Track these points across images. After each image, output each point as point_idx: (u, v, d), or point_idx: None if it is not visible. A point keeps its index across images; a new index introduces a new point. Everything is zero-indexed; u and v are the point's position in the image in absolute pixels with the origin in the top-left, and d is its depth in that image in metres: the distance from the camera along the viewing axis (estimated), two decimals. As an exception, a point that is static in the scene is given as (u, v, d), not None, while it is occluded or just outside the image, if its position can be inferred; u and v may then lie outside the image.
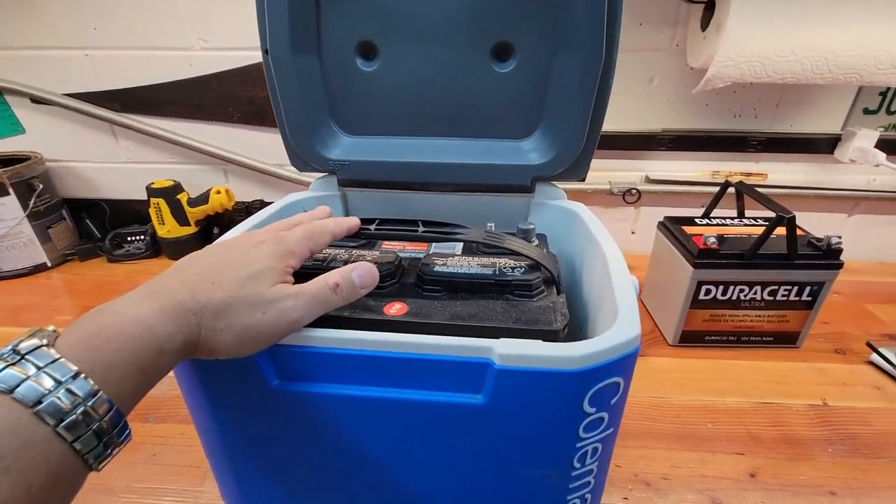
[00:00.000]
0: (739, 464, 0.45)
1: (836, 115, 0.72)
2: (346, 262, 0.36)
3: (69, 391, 0.18)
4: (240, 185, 0.83)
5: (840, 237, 0.54)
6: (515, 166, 0.43)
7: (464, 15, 0.40)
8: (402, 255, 0.40)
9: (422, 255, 0.38)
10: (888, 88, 0.68)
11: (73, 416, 0.18)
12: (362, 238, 0.39)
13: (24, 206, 0.75)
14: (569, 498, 0.30)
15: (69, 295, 0.74)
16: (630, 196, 0.78)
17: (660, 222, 0.64)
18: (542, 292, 0.34)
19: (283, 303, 0.25)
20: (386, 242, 0.42)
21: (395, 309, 0.32)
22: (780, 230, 0.53)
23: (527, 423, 0.26)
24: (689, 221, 0.62)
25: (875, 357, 0.57)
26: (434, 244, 0.41)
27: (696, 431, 0.49)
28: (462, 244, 0.40)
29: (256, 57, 0.72)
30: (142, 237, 0.82)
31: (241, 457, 0.32)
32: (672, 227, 0.61)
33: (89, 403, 0.18)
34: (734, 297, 0.57)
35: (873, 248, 0.81)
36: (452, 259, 0.37)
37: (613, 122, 0.74)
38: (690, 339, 0.60)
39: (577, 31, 0.37)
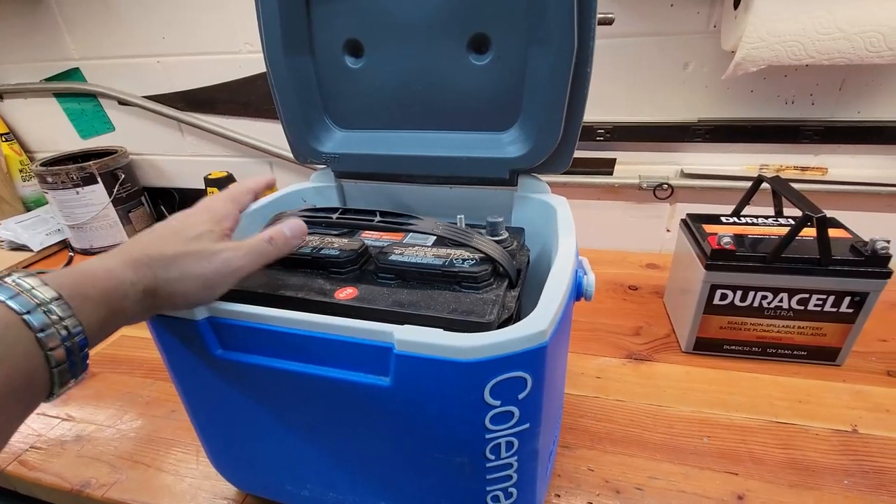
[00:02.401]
0: (728, 483, 0.42)
1: (919, 100, 0.61)
2: (316, 248, 0.39)
3: (51, 310, 0.22)
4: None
5: (888, 241, 0.47)
6: (493, 159, 0.43)
7: (440, 8, 0.40)
8: (380, 243, 0.42)
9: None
10: None
11: (52, 330, 0.22)
12: (325, 226, 0.42)
13: (110, 192, 0.88)
14: (488, 489, 0.30)
15: (141, 270, 0.86)
16: (661, 191, 0.73)
17: (682, 220, 0.59)
18: (491, 285, 0.35)
19: (225, 253, 0.29)
20: (367, 232, 0.44)
21: (346, 294, 0.34)
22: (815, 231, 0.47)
23: (431, 409, 0.27)
24: (714, 220, 0.57)
25: (935, 384, 0.49)
26: (410, 234, 0.43)
27: (688, 445, 0.45)
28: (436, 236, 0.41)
29: (293, 57, 0.78)
30: (201, 222, 0.92)
31: (204, 415, 0.37)
32: (693, 226, 0.56)
33: (65, 323, 0.22)
34: (756, 304, 0.52)
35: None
36: (412, 249, 0.38)
37: (643, 112, 0.70)
38: (706, 346, 0.56)
39: (546, 22, 0.37)
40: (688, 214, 0.59)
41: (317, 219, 0.37)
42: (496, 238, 0.39)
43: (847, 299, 0.49)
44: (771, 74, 0.63)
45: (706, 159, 0.71)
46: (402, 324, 0.29)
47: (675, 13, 0.63)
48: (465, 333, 0.25)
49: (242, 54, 0.81)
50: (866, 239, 0.49)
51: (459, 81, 0.43)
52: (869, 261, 0.47)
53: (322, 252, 0.38)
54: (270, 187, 0.38)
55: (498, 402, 0.27)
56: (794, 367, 0.54)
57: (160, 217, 0.98)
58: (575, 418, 0.49)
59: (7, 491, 0.49)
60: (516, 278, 0.36)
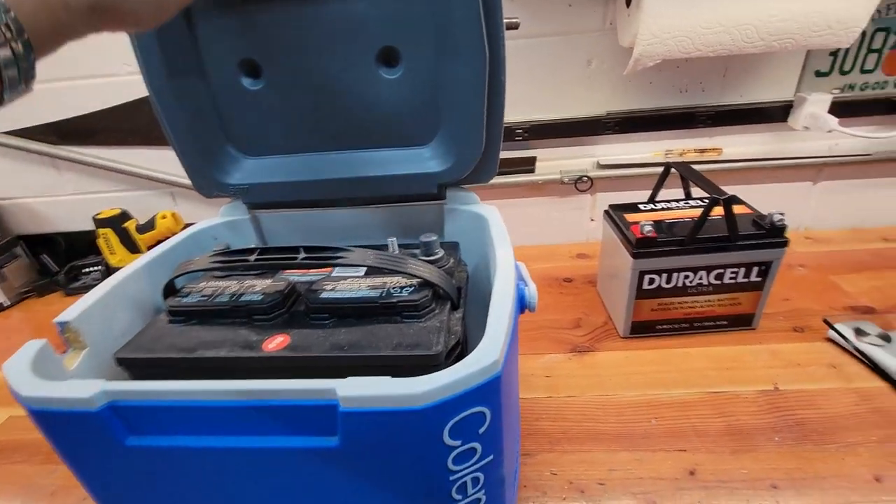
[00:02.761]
0: (679, 461, 0.43)
1: (788, 81, 0.69)
2: (235, 295, 0.35)
3: None
4: (188, 208, 0.82)
5: (783, 213, 0.52)
6: (418, 175, 0.42)
7: (343, 23, 0.38)
8: (308, 279, 0.39)
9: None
10: (838, 49, 0.65)
11: None
12: (244, 270, 0.38)
13: (-28, 248, 0.74)
14: (458, 528, 0.29)
15: (28, 332, 0.74)
16: (582, 184, 0.75)
17: (605, 211, 0.62)
18: (433, 311, 0.33)
19: None
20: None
21: (276, 343, 0.31)
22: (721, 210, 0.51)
23: (388, 462, 0.25)
24: (633, 208, 0.60)
25: (832, 333, 0.55)
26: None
27: (638, 430, 0.47)
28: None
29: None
30: (97, 268, 0.82)
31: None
32: (615, 216, 0.59)
33: (3, 21, 0.21)
34: (680, 284, 0.55)
35: (842, 215, 0.78)
36: (344, 282, 0.35)
37: (555, 109, 0.72)
38: (641, 329, 0.58)
39: (454, 33, 0.35)
40: (610, 206, 0.61)
41: (233, 263, 0.33)
42: (431, 258, 0.37)
43: (755, 269, 0.54)
44: (665, 67, 0.67)
45: (618, 149, 0.74)
46: (344, 368, 0.26)
47: (574, 13, 0.65)
48: (415, 377, 0.23)
49: (121, 76, 0.72)
50: (764, 213, 0.54)
51: (372, 97, 0.40)
52: (769, 233, 0.52)
53: (243, 299, 0.34)
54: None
55: (458, 442, 0.25)
56: (718, 337, 0.58)
57: (44, 269, 0.85)
58: (531, 422, 0.49)
59: None
60: (458, 299, 0.35)
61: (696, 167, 0.59)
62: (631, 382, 0.53)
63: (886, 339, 0.52)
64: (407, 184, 0.42)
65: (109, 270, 0.81)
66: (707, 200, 0.51)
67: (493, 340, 0.25)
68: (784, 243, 0.52)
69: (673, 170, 0.60)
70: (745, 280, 0.55)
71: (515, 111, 0.72)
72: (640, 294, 0.56)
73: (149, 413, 0.26)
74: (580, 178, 0.75)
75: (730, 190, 0.57)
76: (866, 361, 0.51)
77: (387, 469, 0.25)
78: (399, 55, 0.39)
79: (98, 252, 0.83)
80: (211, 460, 0.27)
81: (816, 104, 0.65)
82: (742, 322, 0.58)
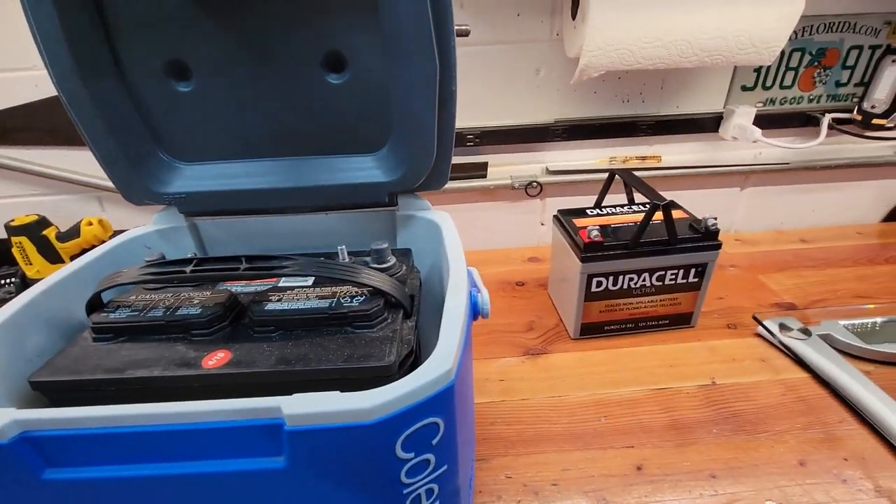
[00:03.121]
0: (628, 458, 0.45)
1: (718, 94, 0.74)
2: (170, 309, 0.32)
3: None
4: (118, 213, 0.76)
5: (716, 218, 0.55)
6: (368, 184, 0.41)
7: (282, 26, 0.36)
8: (252, 289, 0.37)
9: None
10: (761, 66, 0.71)
11: None
12: (180, 282, 0.36)
13: None
14: (413, 542, 0.28)
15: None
16: (532, 189, 0.77)
17: (554, 215, 0.63)
18: (385, 320, 0.32)
19: None
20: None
21: (216, 359, 0.29)
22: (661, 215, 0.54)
23: (339, 480, 0.24)
24: (581, 213, 0.62)
25: (760, 329, 0.59)
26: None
27: (589, 429, 0.48)
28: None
29: (112, 73, 0.65)
30: (11, 280, 0.74)
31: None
32: (564, 220, 0.60)
33: None
34: (625, 286, 0.57)
35: (767, 218, 0.85)
36: (290, 293, 0.34)
37: (507, 115, 0.73)
38: (591, 330, 0.60)
39: (402, 38, 0.35)
40: (559, 210, 0.63)
41: (167, 275, 0.31)
42: (383, 266, 0.37)
43: (692, 270, 0.57)
44: (608, 78, 0.70)
45: (566, 156, 0.77)
46: (292, 384, 0.25)
47: (522, 22, 0.66)
48: (365, 391, 0.23)
49: (37, 70, 0.65)
50: (700, 217, 0.57)
51: (318, 102, 0.39)
52: (705, 236, 0.55)
53: (179, 312, 0.32)
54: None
55: (412, 455, 0.24)
56: (662, 336, 0.61)
57: (-53, 281, 0.76)
58: (486, 427, 0.49)
59: None
60: (410, 307, 0.34)
61: (637, 173, 0.62)
62: (583, 383, 0.54)
63: (807, 332, 0.56)
64: (356, 192, 0.41)
65: (26, 283, 0.74)
66: (648, 206, 0.54)
67: (446, 350, 0.25)
68: (718, 246, 0.56)
69: (617, 176, 0.62)
70: (684, 281, 0.58)
71: (467, 117, 0.72)
72: (589, 296, 0.57)
73: (69, 442, 0.23)
74: (530, 183, 0.76)
75: (667, 195, 0.60)
76: (790, 354, 0.56)
77: (337, 487, 0.24)
78: (345, 60, 0.38)
79: (13, 262, 0.76)
80: (143, 491, 0.24)
81: (743, 116, 0.70)
82: (682, 321, 0.61)
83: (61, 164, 0.71)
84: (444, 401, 0.24)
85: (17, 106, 0.67)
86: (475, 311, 0.35)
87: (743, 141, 0.72)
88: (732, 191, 0.82)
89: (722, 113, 0.74)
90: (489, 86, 0.71)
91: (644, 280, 0.57)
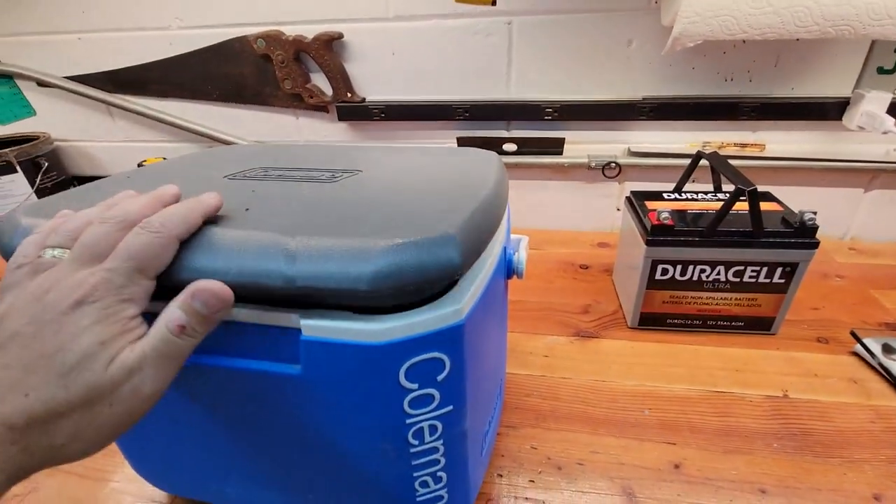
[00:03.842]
0: (666, 453, 0.42)
1: (847, 76, 0.63)
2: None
3: None
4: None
5: (815, 213, 0.48)
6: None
7: None
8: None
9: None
10: (909, 42, 0.59)
11: None
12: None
13: (32, 182, 0.81)
14: (415, 474, 0.29)
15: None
16: (609, 170, 0.73)
17: (627, 197, 0.60)
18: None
19: (130, 382, 0.20)
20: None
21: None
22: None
23: (347, 396, 0.26)
24: (656, 196, 0.58)
25: (858, 348, 0.51)
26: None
27: (629, 418, 0.46)
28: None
29: (227, 34, 0.74)
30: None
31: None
32: (636, 203, 0.57)
33: None
34: (695, 278, 0.53)
35: (895, 227, 0.72)
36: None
37: (590, 89, 0.69)
38: (651, 321, 0.56)
39: None
40: (631, 192, 0.59)
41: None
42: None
43: (779, 270, 0.51)
44: (710, 51, 0.64)
45: (652, 137, 0.71)
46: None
47: (617, -12, 0.62)
48: (364, 315, 0.24)
49: (172, 30, 0.75)
50: (796, 210, 0.50)
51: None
52: (798, 232, 0.49)
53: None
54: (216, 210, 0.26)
55: (415, 385, 0.25)
56: (732, 338, 0.55)
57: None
58: (520, 398, 0.49)
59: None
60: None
61: (735, 162, 0.56)
62: (632, 372, 0.51)
63: (919, 358, 0.48)
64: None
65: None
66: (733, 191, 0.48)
67: (461, 290, 0.25)
68: (814, 244, 0.49)
69: (704, 161, 0.57)
70: (768, 281, 0.52)
71: (546, 89, 0.70)
72: (652, 284, 0.54)
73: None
74: (608, 163, 0.72)
75: (772, 190, 0.54)
76: (891, 380, 0.48)
77: (346, 403, 0.26)
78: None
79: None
80: (185, 376, 0.28)
81: (874, 102, 0.59)
82: (760, 325, 0.55)
83: (184, 114, 0.82)
84: (450, 338, 0.25)
85: (154, 61, 0.78)
86: (509, 269, 0.34)
87: (872, 133, 0.61)
88: (853, 192, 0.71)
89: (849, 98, 0.63)
90: (573, 57, 0.68)
91: (718, 274, 0.52)
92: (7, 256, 0.28)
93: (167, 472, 0.37)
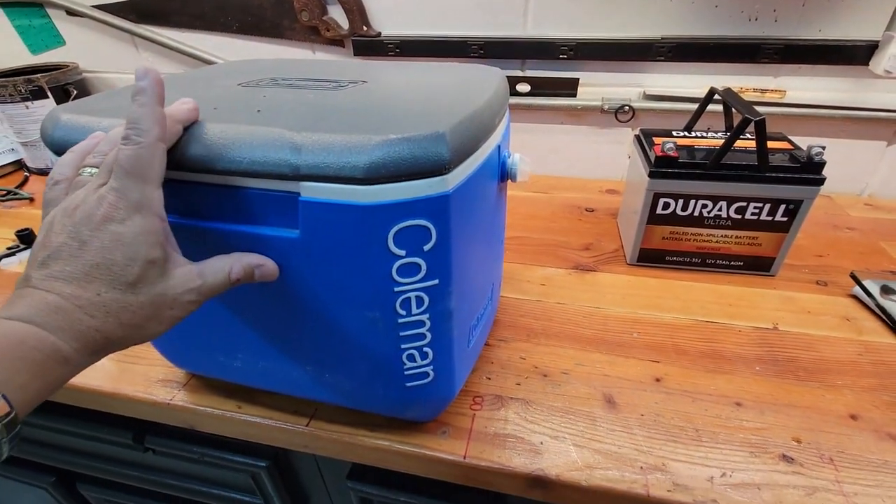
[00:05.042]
0: (649, 369, 0.44)
1: (879, 18, 0.60)
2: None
3: None
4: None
5: (823, 147, 0.48)
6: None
7: None
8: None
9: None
10: (950, -19, 0.56)
11: None
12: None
13: (62, 109, 0.84)
14: (403, 346, 0.32)
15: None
16: (623, 114, 0.72)
17: (636, 134, 0.60)
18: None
19: (182, 297, 0.26)
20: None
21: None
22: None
23: (341, 258, 0.28)
24: (666, 134, 0.57)
25: (857, 289, 0.51)
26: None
27: (618, 338, 0.48)
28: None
29: (247, -38, 0.73)
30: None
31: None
32: (644, 139, 0.57)
33: None
34: (696, 213, 0.53)
35: (917, 184, 0.70)
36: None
37: (605, 27, 0.68)
38: (650, 258, 0.57)
39: None
40: (641, 130, 0.59)
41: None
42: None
43: (782, 207, 0.51)
44: (736, -13, 0.62)
45: (668, 80, 0.70)
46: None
47: (643, -83, 0.60)
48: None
49: (194, -41, 0.76)
50: (804, 147, 0.50)
51: None
52: (804, 167, 0.48)
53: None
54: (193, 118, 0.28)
55: (403, 252, 0.27)
56: (730, 277, 0.56)
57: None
58: (514, 317, 0.51)
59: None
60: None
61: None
62: (625, 301, 0.53)
63: (916, 299, 0.48)
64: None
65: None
66: (749, 134, 0.48)
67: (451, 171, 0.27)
68: (820, 181, 0.49)
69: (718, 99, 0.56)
70: (770, 219, 0.52)
71: (562, 25, 0.69)
72: (653, 219, 0.54)
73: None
74: (622, 107, 0.71)
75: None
76: (887, 320, 0.48)
77: (340, 265, 0.28)
78: None
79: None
80: (193, 241, 0.30)
81: (905, 43, 0.57)
82: (760, 266, 0.55)
83: (203, 45, 0.83)
84: (436, 208, 0.26)
85: (175, -9, 0.79)
86: (503, 171, 0.36)
87: (899, 76, 0.59)
88: (875, 144, 0.69)
89: (878, 41, 0.61)
90: (593, -8, 0.66)
91: (720, 210, 0.52)
92: (50, 147, 0.31)
93: (182, 350, 0.40)
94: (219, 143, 0.27)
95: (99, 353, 0.24)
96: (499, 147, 0.34)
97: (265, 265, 0.28)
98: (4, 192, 0.80)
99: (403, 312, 0.30)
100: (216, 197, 0.28)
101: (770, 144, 0.50)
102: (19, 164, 0.91)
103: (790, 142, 0.54)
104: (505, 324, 0.50)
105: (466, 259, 0.32)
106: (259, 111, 0.30)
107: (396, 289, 0.29)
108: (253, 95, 0.34)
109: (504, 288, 0.54)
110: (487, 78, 0.38)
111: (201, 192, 0.29)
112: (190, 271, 0.26)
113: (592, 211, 0.71)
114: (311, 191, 0.26)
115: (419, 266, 0.28)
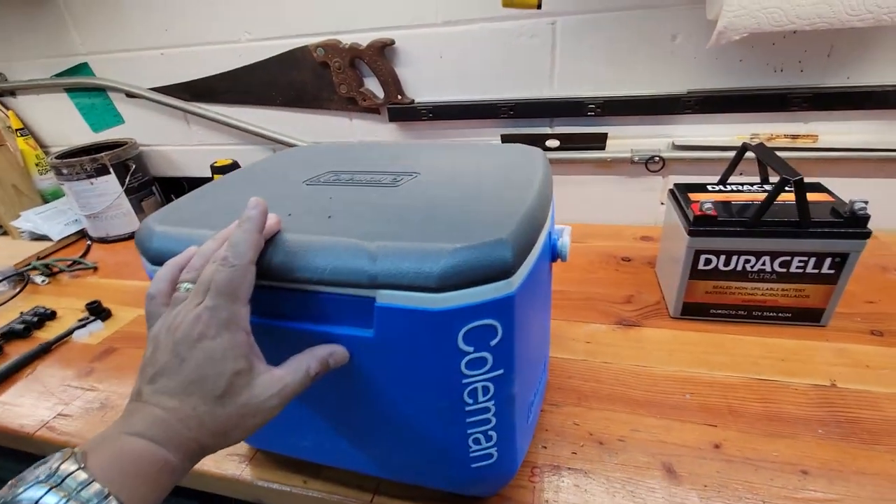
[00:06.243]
0: (707, 434, 0.44)
1: (909, 62, 0.61)
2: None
3: None
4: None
5: (866, 202, 0.48)
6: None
7: None
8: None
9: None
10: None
11: None
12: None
13: (122, 182, 0.92)
14: (469, 432, 0.33)
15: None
16: (653, 164, 0.74)
17: (670, 189, 0.61)
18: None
19: (266, 404, 0.27)
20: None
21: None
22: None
23: (413, 356, 0.30)
24: (700, 188, 0.58)
25: (915, 340, 0.50)
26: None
27: (670, 401, 0.48)
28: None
29: (290, 45, 0.80)
30: (210, 209, 0.96)
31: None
32: (679, 195, 0.58)
33: None
34: (739, 268, 0.53)
35: (965, 220, 0.69)
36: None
37: (633, 85, 0.71)
38: (693, 311, 0.57)
39: None
40: (675, 184, 0.60)
41: (309, 192, 0.40)
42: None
43: (828, 260, 0.51)
44: (759, 43, 0.63)
45: (697, 130, 0.72)
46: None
47: (662, -15, 0.63)
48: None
49: (241, 43, 0.83)
50: (846, 200, 0.50)
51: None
52: (848, 222, 0.48)
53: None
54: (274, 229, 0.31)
55: (471, 349, 0.29)
56: (778, 329, 0.55)
57: (171, 205, 1.02)
58: (563, 379, 0.51)
59: (36, 456, 0.53)
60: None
61: (785, 154, 0.56)
62: (673, 359, 0.53)
63: (982, 351, 0.46)
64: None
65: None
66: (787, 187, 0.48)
67: (513, 266, 0.29)
68: (866, 234, 0.49)
69: (752, 152, 0.57)
70: (816, 271, 0.52)
71: (588, 86, 0.72)
72: (695, 274, 0.55)
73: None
74: (652, 157, 0.73)
75: (825, 182, 0.54)
76: (951, 373, 0.47)
77: (412, 364, 0.30)
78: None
79: (212, 196, 0.98)
80: (275, 340, 0.33)
81: (939, 88, 0.57)
82: (809, 317, 0.55)
83: (251, 119, 0.90)
84: (502, 307, 0.28)
85: (224, 72, 0.86)
86: (554, 253, 0.37)
87: (936, 120, 0.59)
88: (917, 183, 0.68)
89: (910, 85, 0.61)
90: (616, 54, 0.69)
91: (763, 264, 0.52)
92: (146, 257, 0.34)
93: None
94: (298, 252, 0.30)
95: (195, 460, 0.27)
96: (550, 232, 0.36)
97: (336, 352, 0.30)
98: (70, 262, 0.86)
99: (470, 401, 0.31)
100: (293, 300, 0.31)
101: (809, 197, 0.50)
102: (81, 234, 0.98)
103: (829, 192, 0.54)
104: (555, 386, 0.50)
105: (526, 345, 0.33)
106: (330, 217, 0.33)
107: (464, 381, 0.30)
108: (320, 196, 0.37)
109: (551, 348, 0.55)
110: (530, 161, 0.40)
111: (280, 296, 0.31)
112: (272, 377, 0.28)
113: (629, 260, 0.72)
114: (386, 297, 0.28)
115: (486, 359, 0.30)
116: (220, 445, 0.27)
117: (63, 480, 0.22)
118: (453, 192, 0.35)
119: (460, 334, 0.28)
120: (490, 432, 0.33)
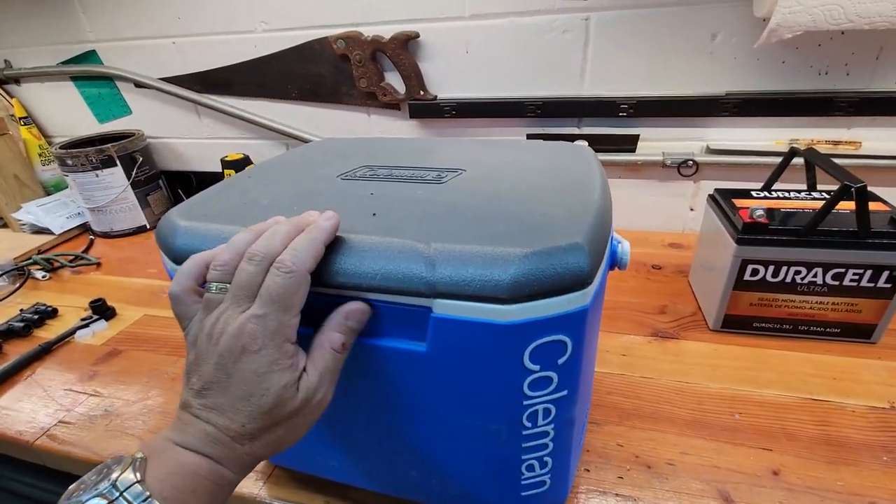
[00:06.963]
0: (763, 459, 0.41)
1: (963, 68, 0.59)
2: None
3: None
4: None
5: (931, 213, 0.45)
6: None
7: None
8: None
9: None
10: None
11: None
12: None
13: (128, 175, 0.88)
14: (524, 457, 0.30)
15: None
16: (686, 168, 0.71)
17: (710, 195, 0.58)
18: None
19: (315, 398, 0.26)
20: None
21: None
22: (851, 205, 0.46)
23: (470, 374, 0.27)
24: (744, 194, 0.55)
25: (977, 361, 0.47)
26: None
27: (718, 421, 0.45)
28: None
29: (309, 36, 0.77)
30: (218, 205, 0.92)
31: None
32: (722, 200, 0.55)
33: None
34: (788, 280, 0.50)
35: None
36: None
37: (667, 85, 0.68)
38: (735, 324, 0.54)
39: None
40: (716, 189, 0.57)
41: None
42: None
43: (885, 274, 0.48)
44: (804, 44, 0.61)
45: (733, 134, 0.69)
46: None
47: (704, -20, 0.60)
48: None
49: (257, 33, 0.80)
50: (908, 211, 0.47)
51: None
52: (910, 233, 0.46)
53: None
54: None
55: (537, 367, 0.26)
56: (826, 345, 0.52)
57: (177, 201, 0.99)
58: (602, 395, 0.48)
59: (36, 465, 0.50)
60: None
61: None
62: (716, 375, 0.50)
63: None
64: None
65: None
66: (835, 190, 0.46)
67: (585, 276, 0.26)
68: (928, 248, 0.46)
69: (797, 159, 0.54)
70: (871, 285, 0.49)
71: (621, 85, 0.69)
72: (740, 285, 0.52)
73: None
74: (685, 161, 0.70)
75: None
76: None
77: (467, 381, 0.27)
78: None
79: (220, 192, 0.94)
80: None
81: None
82: (859, 333, 0.52)
83: (264, 112, 0.87)
84: (575, 322, 0.25)
85: (239, 63, 0.83)
86: (613, 260, 0.34)
87: None
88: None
89: (964, 92, 0.59)
90: (652, 52, 0.66)
91: (815, 276, 0.49)
92: (169, 254, 0.31)
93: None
94: (342, 254, 0.26)
95: (248, 470, 0.26)
96: (611, 237, 0.33)
97: (352, 312, 0.26)
98: (73, 258, 0.83)
99: (529, 425, 0.28)
100: (332, 308, 0.28)
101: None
102: (84, 228, 0.94)
103: (884, 202, 0.51)
104: (594, 403, 0.47)
105: (588, 362, 0.30)
106: (374, 214, 0.30)
107: (525, 402, 0.27)
108: (359, 192, 0.34)
109: (585, 360, 0.51)
110: (583, 160, 0.38)
111: (318, 302, 0.28)
112: (311, 376, 0.26)
113: (660, 268, 0.69)
114: (444, 308, 0.25)
115: (551, 379, 0.27)
116: (277, 451, 0.26)
117: (121, 494, 0.21)
118: (507, 191, 0.32)
119: (527, 351, 0.25)
120: (546, 458, 0.30)
